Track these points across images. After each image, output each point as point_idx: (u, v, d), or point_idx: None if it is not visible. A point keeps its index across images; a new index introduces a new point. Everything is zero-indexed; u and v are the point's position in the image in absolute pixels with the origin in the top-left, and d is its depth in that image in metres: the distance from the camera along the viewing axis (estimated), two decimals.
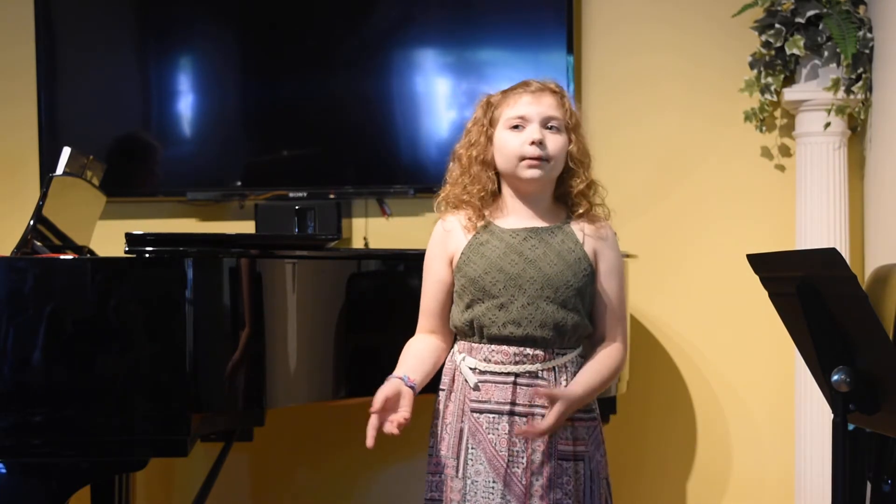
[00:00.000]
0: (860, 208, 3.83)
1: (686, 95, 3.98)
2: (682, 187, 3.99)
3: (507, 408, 2.29)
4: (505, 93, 2.40)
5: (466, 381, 2.34)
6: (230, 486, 3.95)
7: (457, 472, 2.32)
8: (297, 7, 4.00)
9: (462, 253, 2.36)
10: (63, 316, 2.63)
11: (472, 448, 2.31)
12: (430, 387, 2.44)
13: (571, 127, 2.38)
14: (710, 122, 3.97)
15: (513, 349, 2.31)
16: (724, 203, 3.96)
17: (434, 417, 2.40)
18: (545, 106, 2.35)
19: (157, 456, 2.67)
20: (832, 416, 2.13)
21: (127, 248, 2.69)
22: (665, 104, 3.99)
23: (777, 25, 3.68)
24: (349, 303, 3.00)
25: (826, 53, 3.67)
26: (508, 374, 2.30)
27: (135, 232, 2.72)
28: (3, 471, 2.61)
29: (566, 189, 2.39)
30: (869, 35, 3.66)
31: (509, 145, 2.34)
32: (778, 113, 3.90)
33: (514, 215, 2.38)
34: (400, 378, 2.29)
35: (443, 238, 2.41)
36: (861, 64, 3.65)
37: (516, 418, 2.29)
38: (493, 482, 2.28)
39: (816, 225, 3.71)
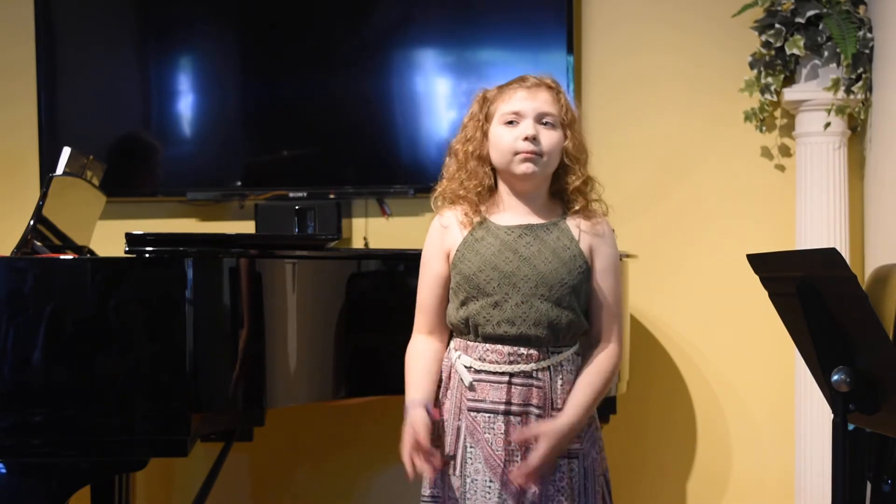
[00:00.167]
0: (860, 208, 3.83)
1: (686, 95, 3.98)
2: (682, 187, 3.99)
3: (503, 407, 2.29)
4: (501, 88, 2.39)
5: (462, 380, 2.34)
6: (230, 486, 3.95)
7: (454, 470, 2.32)
8: (297, 7, 4.00)
9: (457, 250, 2.36)
10: (63, 316, 2.63)
11: (471, 447, 2.31)
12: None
13: (567, 123, 2.36)
14: (710, 122, 3.97)
15: (507, 349, 2.30)
16: (724, 203, 3.96)
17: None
18: (540, 101, 2.34)
19: (157, 456, 2.67)
20: (832, 416, 2.13)
21: (127, 248, 2.69)
22: (665, 104, 3.99)
23: (777, 25, 3.68)
24: (349, 303, 3.00)
25: (826, 53, 3.67)
26: (503, 373, 2.30)
27: (135, 232, 2.72)
28: (3, 471, 2.61)
29: (562, 185, 2.38)
30: (869, 35, 3.66)
31: (503, 140, 2.33)
32: (778, 113, 3.90)
33: (510, 211, 2.37)
34: (425, 409, 2.28)
35: (439, 234, 2.40)
36: (861, 64, 3.65)
37: (511, 418, 2.29)
38: (490, 481, 2.28)
39: (816, 225, 3.71)
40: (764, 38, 3.72)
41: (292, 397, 2.94)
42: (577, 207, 2.37)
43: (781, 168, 3.94)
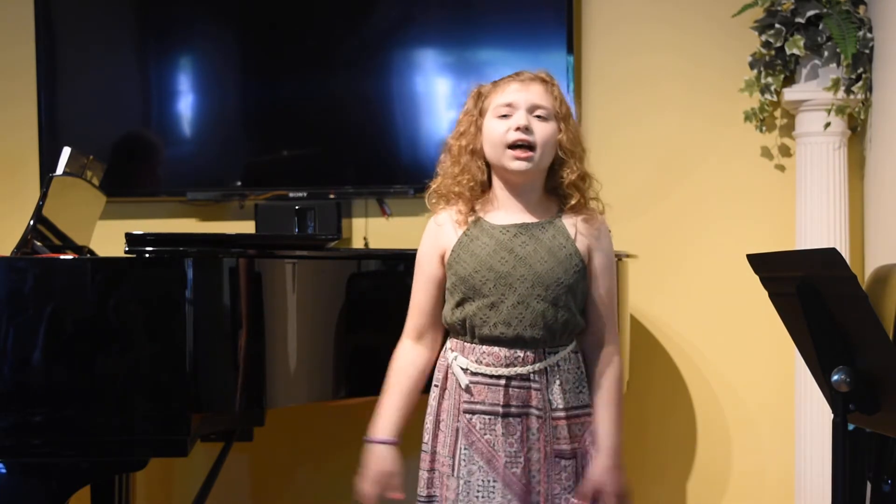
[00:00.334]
0: (860, 208, 3.83)
1: (686, 95, 3.98)
2: (682, 187, 3.99)
3: (502, 410, 2.29)
4: (495, 83, 2.38)
5: (458, 381, 2.33)
6: (230, 486, 3.95)
7: (452, 470, 2.32)
8: (297, 7, 4.00)
9: (452, 250, 2.35)
10: (63, 316, 2.63)
11: (465, 448, 2.31)
12: (428, 386, 2.44)
13: (562, 116, 2.35)
14: (710, 122, 3.97)
15: (503, 352, 2.29)
16: (724, 203, 3.96)
17: (428, 413, 2.40)
18: (532, 93, 2.33)
19: (157, 456, 2.67)
20: (832, 416, 2.13)
21: (127, 248, 2.69)
22: (665, 104, 3.99)
23: (777, 25, 3.68)
24: (349, 303, 3.00)
25: (826, 53, 3.67)
26: (500, 377, 2.30)
27: (135, 232, 2.71)
28: (3, 471, 2.61)
29: (557, 180, 2.36)
30: (869, 35, 3.66)
31: (496, 132, 2.31)
32: (778, 113, 3.90)
33: (505, 209, 2.36)
34: (390, 444, 2.37)
35: (435, 234, 2.40)
36: (861, 64, 3.65)
37: (511, 419, 2.29)
38: (494, 481, 2.28)
39: (816, 225, 3.71)
40: (764, 38, 3.72)
41: (292, 397, 2.94)
42: (572, 202, 2.35)
43: (781, 168, 3.94)
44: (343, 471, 4.05)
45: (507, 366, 2.30)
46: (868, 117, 3.73)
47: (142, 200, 4.08)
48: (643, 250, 3.82)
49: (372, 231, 4.04)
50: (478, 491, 2.29)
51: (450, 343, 2.39)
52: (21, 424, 2.60)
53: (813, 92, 3.70)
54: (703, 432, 4.00)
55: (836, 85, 3.65)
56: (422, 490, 2.37)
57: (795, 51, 3.66)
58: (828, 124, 3.69)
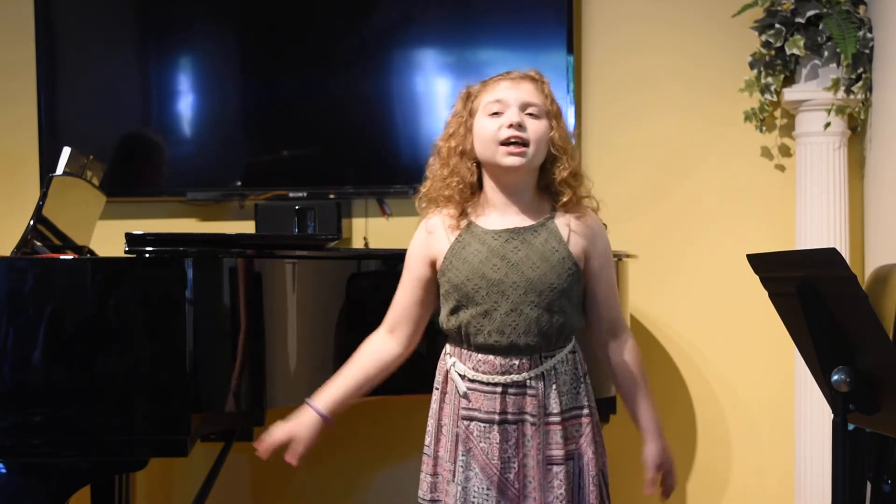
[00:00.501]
0: (860, 208, 3.83)
1: (686, 95, 3.98)
2: (682, 187, 3.99)
3: (498, 417, 2.28)
4: (484, 82, 2.37)
5: (457, 387, 2.33)
6: (230, 486, 3.95)
7: (453, 476, 2.31)
8: (297, 7, 4.00)
9: (445, 257, 2.33)
10: (63, 316, 2.63)
11: (463, 455, 2.30)
12: (427, 386, 2.44)
13: (553, 114, 2.34)
14: (710, 122, 3.97)
15: (499, 360, 2.29)
16: (724, 203, 3.96)
17: (430, 416, 2.39)
18: (523, 91, 2.32)
19: (157, 456, 2.67)
20: (832, 416, 2.13)
21: (127, 248, 2.69)
22: (665, 104, 3.99)
23: (777, 25, 3.68)
24: (349, 303, 3.00)
25: (826, 53, 3.67)
26: (496, 384, 2.29)
27: (135, 232, 2.72)
28: (3, 471, 2.61)
29: (550, 178, 2.34)
30: (869, 35, 3.66)
31: (487, 130, 2.29)
32: (778, 113, 3.90)
33: (496, 212, 2.34)
34: (320, 416, 2.38)
35: (425, 240, 2.39)
36: (861, 64, 3.65)
37: (507, 426, 2.28)
38: (488, 490, 2.28)
39: (816, 225, 3.71)
40: (764, 38, 3.72)
41: (292, 397, 2.93)
42: (565, 200, 2.33)
43: (781, 168, 3.94)
44: (343, 471, 4.09)
45: (503, 373, 2.29)
46: (868, 117, 3.73)
47: (142, 200, 4.08)
48: (643, 250, 3.82)
49: (372, 231, 4.04)
50: (474, 498, 2.28)
51: (448, 348, 2.39)
52: (21, 424, 2.60)
53: (813, 92, 3.70)
54: (703, 432, 4.00)
55: (836, 85, 3.65)
56: (424, 494, 2.37)
57: (795, 51, 3.66)
58: (828, 124, 3.69)
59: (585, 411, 2.35)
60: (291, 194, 3.94)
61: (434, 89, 4.00)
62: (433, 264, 2.37)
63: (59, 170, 2.97)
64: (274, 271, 2.85)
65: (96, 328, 2.63)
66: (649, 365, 3.93)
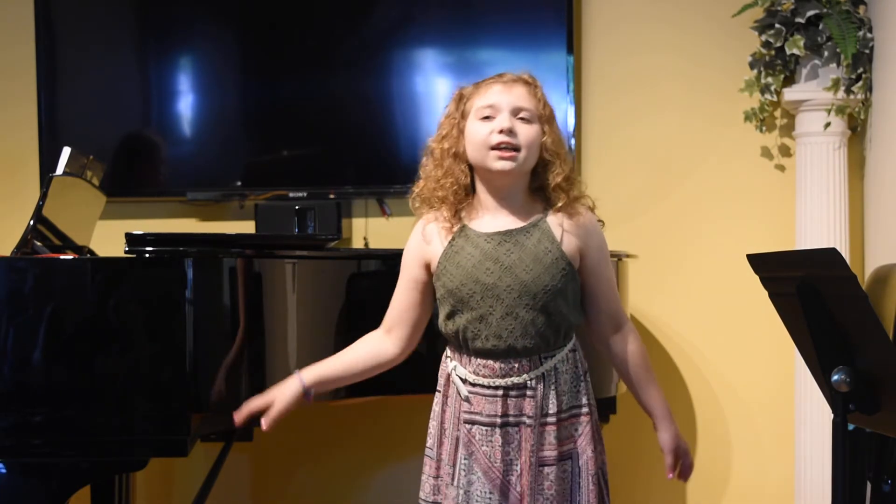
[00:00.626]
0: (860, 208, 3.83)
1: (686, 95, 3.98)
2: (682, 187, 3.99)
3: (499, 420, 2.28)
4: (477, 85, 2.36)
5: (458, 391, 2.33)
6: (230, 486, 3.95)
7: (452, 479, 2.31)
8: (297, 7, 4.00)
9: (439, 262, 2.33)
10: (63, 316, 2.63)
11: (465, 458, 2.30)
12: (427, 386, 2.44)
13: (545, 118, 2.32)
14: (710, 122, 3.97)
15: (498, 364, 2.29)
16: (724, 203, 3.97)
17: (432, 418, 2.39)
18: (515, 96, 2.31)
19: (157, 456, 2.67)
20: (832, 416, 2.13)
21: (127, 248, 2.69)
22: (665, 104, 3.99)
23: (777, 25, 3.68)
24: (349, 303, 3.00)
25: (826, 53, 3.67)
26: (497, 387, 2.29)
27: (135, 232, 2.71)
28: (3, 471, 2.61)
29: (543, 182, 2.33)
30: (869, 35, 3.66)
31: (478, 134, 2.29)
32: (778, 113, 3.90)
33: (489, 214, 2.34)
34: (303, 386, 2.39)
35: (420, 244, 2.39)
36: (861, 64, 3.65)
37: (509, 429, 2.28)
38: (490, 493, 2.27)
39: (816, 225, 3.71)
40: (764, 38, 3.72)
41: None
42: (559, 205, 2.32)
43: (781, 168, 3.94)
44: (343, 471, 4.09)
45: (503, 376, 2.29)
46: (868, 117, 3.73)
47: (142, 200, 4.08)
48: (643, 250, 3.82)
49: (372, 231, 4.04)
50: (476, 501, 2.28)
51: (448, 351, 2.39)
52: (21, 424, 2.60)
53: (813, 92, 3.70)
54: (703, 432, 4.00)
55: (836, 85, 3.65)
56: (427, 496, 2.37)
57: (795, 51, 3.66)
58: (828, 124, 3.69)
59: (585, 410, 2.35)
60: (291, 194, 3.94)
61: (434, 89, 4.00)
62: (428, 267, 2.37)
63: (59, 170, 2.97)
64: (274, 271, 2.85)
65: (96, 328, 2.63)
66: None
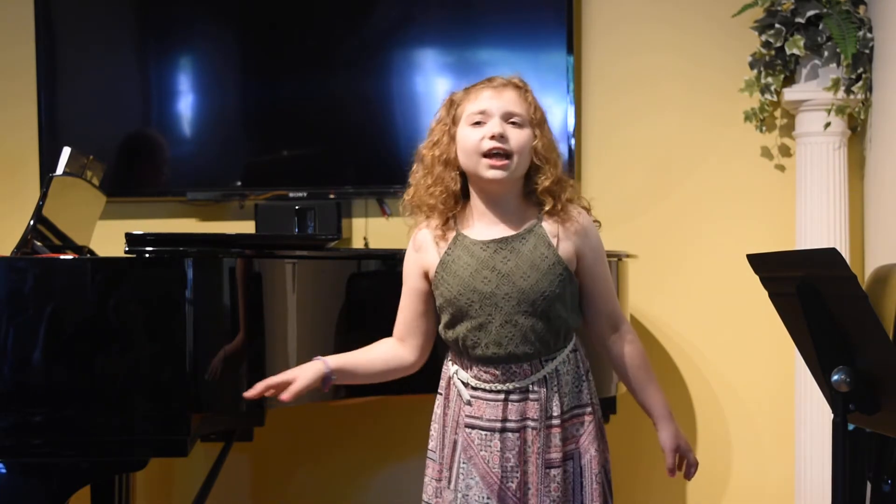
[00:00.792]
0: (860, 208, 3.83)
1: (686, 95, 3.98)
2: (682, 187, 3.99)
3: (499, 424, 2.28)
4: (467, 90, 2.34)
5: (460, 394, 2.33)
6: (230, 486, 3.95)
7: (449, 482, 2.31)
8: (297, 7, 4.00)
9: (435, 272, 2.33)
10: (63, 316, 2.63)
11: (464, 463, 2.30)
12: (427, 386, 2.44)
13: (536, 122, 2.31)
14: (710, 122, 3.97)
15: (499, 370, 2.28)
16: (724, 203, 3.96)
17: (435, 421, 2.39)
18: (506, 101, 2.29)
19: (157, 456, 2.67)
20: (832, 416, 2.13)
21: (127, 248, 2.69)
22: (665, 104, 3.99)
23: (777, 25, 3.68)
24: (349, 303, 3.00)
25: (826, 53, 3.67)
26: (499, 391, 2.29)
27: (135, 232, 2.71)
28: (3, 471, 2.61)
29: (533, 187, 2.32)
30: (869, 35, 3.66)
31: (469, 140, 2.27)
32: (778, 113, 3.90)
33: (483, 221, 2.33)
34: (325, 369, 2.33)
35: (415, 255, 2.38)
36: (861, 64, 3.65)
37: (509, 434, 2.28)
38: (487, 499, 2.27)
39: (816, 225, 3.71)
40: (764, 38, 3.72)
41: None
42: (548, 208, 2.31)
43: (781, 168, 3.94)
44: (343, 471, 4.09)
45: (505, 381, 2.29)
46: (868, 117, 3.73)
47: (142, 200, 4.08)
48: (643, 250, 3.82)
49: (372, 231, 4.04)
50: None
51: (450, 355, 2.39)
52: (21, 424, 2.60)
53: (813, 92, 3.70)
54: (703, 432, 4.00)
55: (836, 85, 3.65)
56: (430, 498, 2.36)
57: (795, 51, 3.66)
58: (828, 124, 3.69)
59: (588, 409, 2.35)
60: (291, 194, 3.94)
61: (434, 89, 4.00)
62: (427, 275, 2.37)
63: (59, 170, 2.97)
64: (274, 271, 2.85)
65: (96, 328, 2.63)
66: None
